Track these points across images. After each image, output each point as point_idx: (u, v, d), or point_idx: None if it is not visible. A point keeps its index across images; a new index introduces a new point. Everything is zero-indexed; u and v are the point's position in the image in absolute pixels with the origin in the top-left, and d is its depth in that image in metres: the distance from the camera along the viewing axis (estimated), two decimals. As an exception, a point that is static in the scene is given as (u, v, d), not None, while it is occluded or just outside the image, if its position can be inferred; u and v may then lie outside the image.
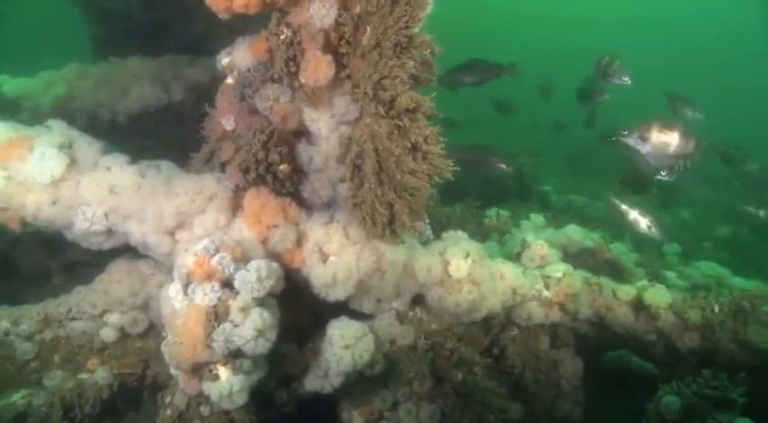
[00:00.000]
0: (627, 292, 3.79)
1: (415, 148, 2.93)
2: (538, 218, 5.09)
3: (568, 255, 4.81)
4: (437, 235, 3.94)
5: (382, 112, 2.93)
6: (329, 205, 3.46)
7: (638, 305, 3.76)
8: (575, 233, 4.77)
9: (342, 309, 3.42)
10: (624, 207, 5.18)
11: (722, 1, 32.96)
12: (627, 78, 5.96)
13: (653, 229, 5.19)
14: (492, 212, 5.26)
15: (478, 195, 5.76)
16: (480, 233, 5.03)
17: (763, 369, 3.34)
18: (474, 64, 5.51)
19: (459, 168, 3.06)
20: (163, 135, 5.03)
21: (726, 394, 3.04)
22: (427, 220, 3.88)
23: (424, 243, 3.74)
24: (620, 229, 6.74)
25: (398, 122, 2.94)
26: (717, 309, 3.46)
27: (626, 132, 4.38)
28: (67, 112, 4.64)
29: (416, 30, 3.03)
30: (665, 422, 3.23)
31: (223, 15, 3.28)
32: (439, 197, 5.30)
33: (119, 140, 5.60)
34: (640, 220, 5.16)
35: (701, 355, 3.55)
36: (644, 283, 3.94)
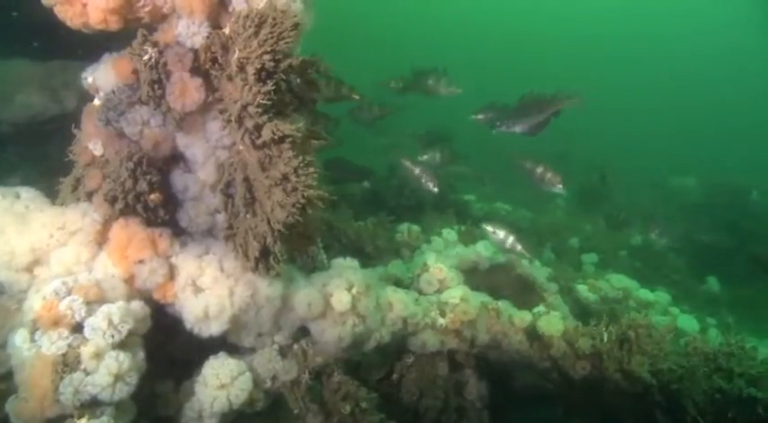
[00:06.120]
0: (522, 318, 3.72)
1: (285, 178, 2.75)
2: (450, 233, 4.97)
3: (480, 270, 4.73)
4: (349, 253, 3.79)
5: (248, 141, 2.74)
6: (210, 233, 3.26)
7: (533, 333, 3.70)
8: (485, 249, 4.68)
9: (225, 343, 3.24)
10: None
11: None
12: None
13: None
14: (403, 227, 5.13)
15: (395, 207, 5.61)
16: (392, 249, 4.90)
17: (646, 398, 3.32)
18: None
19: (336, 198, 2.91)
20: (63, 143, 4.71)
21: None
22: (320, 244, 3.72)
23: (317, 269, 3.58)
24: (541, 238, 6.74)
25: (267, 152, 2.77)
26: (605, 338, 3.42)
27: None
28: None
29: (290, 51, 2.85)
30: None
31: (84, 31, 3.04)
32: (351, 211, 5.16)
33: (16, 148, 5.22)
34: None
35: (592, 383, 3.51)
36: (540, 308, 3.87)
